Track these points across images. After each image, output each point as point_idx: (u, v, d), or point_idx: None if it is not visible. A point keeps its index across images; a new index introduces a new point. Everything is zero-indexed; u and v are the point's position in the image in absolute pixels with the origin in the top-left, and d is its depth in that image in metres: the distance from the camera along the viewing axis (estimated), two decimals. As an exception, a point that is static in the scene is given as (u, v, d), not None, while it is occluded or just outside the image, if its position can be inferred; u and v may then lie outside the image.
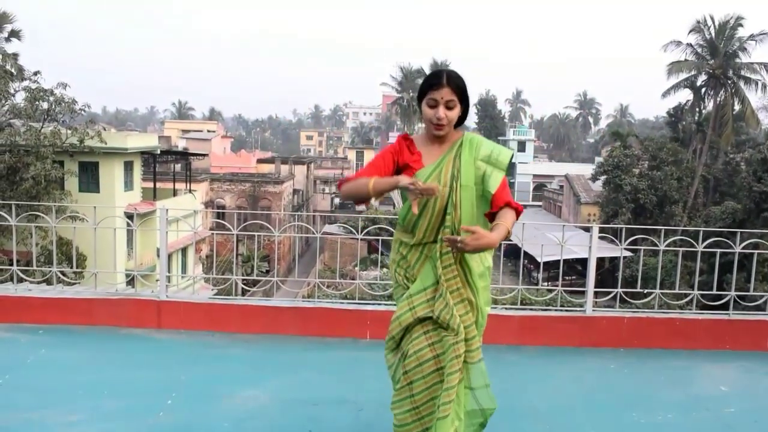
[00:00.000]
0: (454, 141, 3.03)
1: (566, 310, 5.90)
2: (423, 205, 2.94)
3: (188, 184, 33.15)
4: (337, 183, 3.01)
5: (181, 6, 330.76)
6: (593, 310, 5.80)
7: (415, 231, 3.04)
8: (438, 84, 2.89)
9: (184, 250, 28.19)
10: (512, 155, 3.05)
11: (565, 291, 6.06)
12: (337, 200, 52.12)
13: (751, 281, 6.24)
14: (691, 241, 5.88)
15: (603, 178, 36.80)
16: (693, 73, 38.26)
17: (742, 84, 36.95)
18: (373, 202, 2.83)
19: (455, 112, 2.94)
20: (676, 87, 38.99)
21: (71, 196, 21.62)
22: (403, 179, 2.79)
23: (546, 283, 23.64)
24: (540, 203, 56.54)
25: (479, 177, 2.96)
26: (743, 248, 5.90)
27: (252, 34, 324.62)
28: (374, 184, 2.87)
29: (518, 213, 3.01)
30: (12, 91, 21.47)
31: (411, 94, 56.01)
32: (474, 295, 3.03)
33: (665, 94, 39.58)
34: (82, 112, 22.14)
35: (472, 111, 67.52)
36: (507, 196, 2.97)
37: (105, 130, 25.51)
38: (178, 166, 35.95)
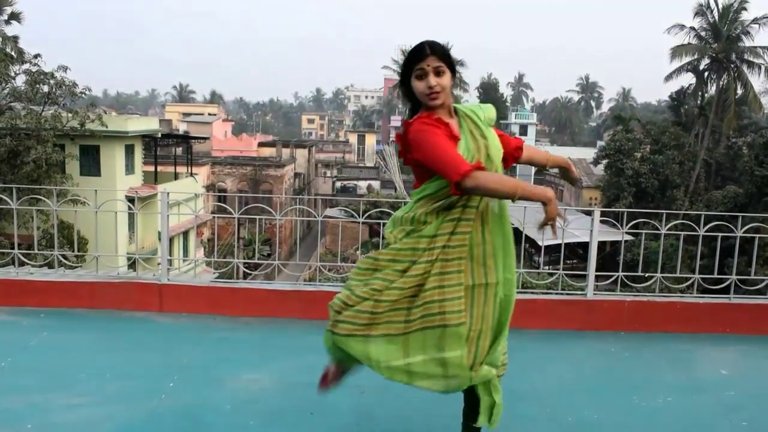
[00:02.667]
0: (453, 113, 2.90)
1: (567, 294, 5.91)
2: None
3: (189, 168, 33.12)
4: (462, 171, 2.63)
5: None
6: (594, 294, 5.80)
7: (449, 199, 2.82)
8: (422, 54, 2.76)
9: (185, 234, 28.23)
10: (494, 110, 3.02)
11: (566, 275, 6.06)
12: (338, 184, 51.99)
13: (752, 265, 6.24)
14: (693, 225, 5.88)
15: (605, 162, 36.73)
16: (696, 57, 38.01)
17: (745, 68, 36.74)
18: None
19: (447, 79, 2.78)
20: (678, 71, 38.77)
21: (72, 180, 21.60)
22: (550, 194, 2.72)
23: (547, 267, 23.63)
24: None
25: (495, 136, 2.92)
26: (744, 232, 5.90)
27: (253, 16, 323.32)
28: (522, 190, 2.66)
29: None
30: (12, 75, 21.39)
31: (412, 78, 55.81)
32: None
33: (668, 78, 39.39)
34: (83, 95, 22.05)
35: (474, 94, 67.93)
36: (509, 137, 3.06)
37: (106, 113, 25.39)
38: (179, 150, 35.96)
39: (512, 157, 3.08)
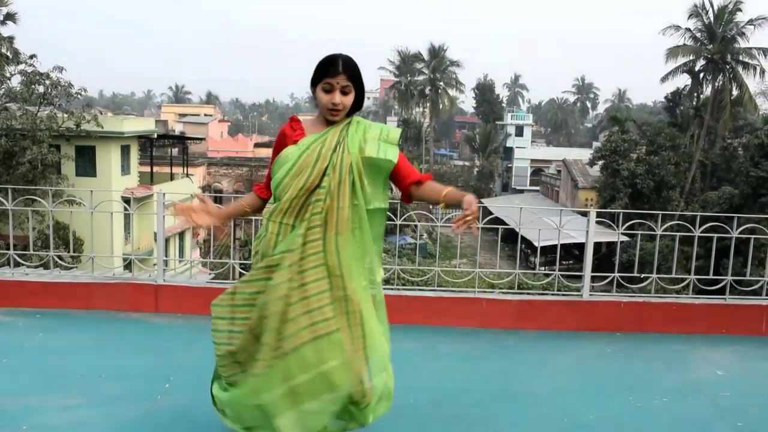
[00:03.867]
0: (342, 121, 2.95)
1: (563, 295, 5.92)
2: (301, 163, 2.85)
3: (185, 168, 33.09)
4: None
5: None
6: (590, 295, 5.81)
7: (281, 200, 2.88)
8: (333, 70, 2.81)
9: (181, 235, 28.20)
10: (400, 133, 3.05)
11: (562, 275, 6.07)
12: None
13: (747, 266, 6.25)
14: (688, 226, 5.89)
15: (601, 163, 36.77)
16: (691, 58, 38.09)
17: (740, 69, 36.82)
18: None
19: (350, 98, 2.87)
20: (674, 72, 38.86)
21: (68, 180, 21.55)
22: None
23: (543, 268, 23.67)
24: (537, 188, 56.59)
25: (370, 150, 2.86)
26: (740, 233, 5.91)
27: (249, 16, 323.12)
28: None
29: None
30: (8, 75, 21.35)
31: (409, 78, 55.85)
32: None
33: (664, 79, 39.49)
34: (79, 96, 22.01)
35: (470, 95, 67.92)
36: (415, 171, 3.00)
37: (101, 114, 25.38)
38: (175, 150, 35.89)
39: (405, 194, 3.05)
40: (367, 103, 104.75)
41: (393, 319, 3.16)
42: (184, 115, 63.34)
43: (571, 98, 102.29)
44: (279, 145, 2.99)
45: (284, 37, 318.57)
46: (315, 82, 2.88)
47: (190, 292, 5.79)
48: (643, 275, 6.11)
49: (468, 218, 2.72)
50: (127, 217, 23.29)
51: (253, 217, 6.42)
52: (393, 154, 2.89)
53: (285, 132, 3.00)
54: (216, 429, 3.69)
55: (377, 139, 2.91)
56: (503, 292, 6.07)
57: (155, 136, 29.66)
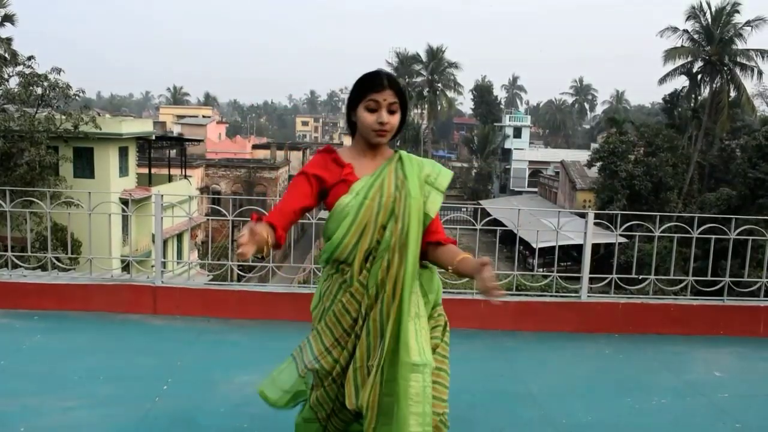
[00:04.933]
0: (389, 156, 2.64)
1: (562, 296, 5.92)
2: (363, 216, 2.51)
3: (183, 170, 33.04)
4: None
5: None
6: (588, 296, 5.81)
7: (353, 257, 2.56)
8: (379, 86, 2.51)
9: (179, 236, 28.16)
10: (451, 177, 2.67)
11: (560, 277, 6.07)
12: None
13: (745, 267, 6.26)
14: (686, 227, 5.89)
15: (599, 164, 36.75)
16: (689, 59, 38.13)
17: (737, 70, 36.86)
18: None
19: (397, 118, 2.55)
20: (672, 73, 38.88)
21: (66, 182, 21.53)
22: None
23: (541, 269, 23.66)
24: (536, 189, 56.55)
25: (424, 194, 2.57)
26: (738, 234, 5.92)
27: (248, 18, 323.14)
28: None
29: None
30: (6, 76, 21.33)
31: (407, 80, 55.80)
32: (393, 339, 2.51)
33: (661, 80, 39.51)
34: (77, 97, 22.01)
35: (468, 97, 67.90)
36: (443, 231, 2.69)
37: (99, 115, 25.36)
38: (173, 152, 35.82)
39: (422, 251, 2.63)
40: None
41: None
42: (183, 117, 63.34)
43: (569, 100, 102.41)
44: (313, 179, 2.59)
45: (283, 37, 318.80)
46: (356, 101, 2.56)
47: (189, 293, 5.79)
48: (641, 276, 6.11)
49: (492, 291, 2.39)
50: (125, 219, 23.22)
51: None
52: (435, 205, 2.59)
53: (329, 166, 2.60)
54: (214, 431, 3.68)
55: (428, 180, 2.60)
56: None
57: (153, 137, 29.62)
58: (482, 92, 69.22)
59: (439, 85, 58.08)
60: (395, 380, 2.46)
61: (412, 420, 2.42)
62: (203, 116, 64.98)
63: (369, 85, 2.52)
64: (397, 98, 2.53)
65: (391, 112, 2.53)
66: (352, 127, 2.66)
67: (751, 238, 6.04)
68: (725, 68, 37.04)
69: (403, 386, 2.42)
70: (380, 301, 2.53)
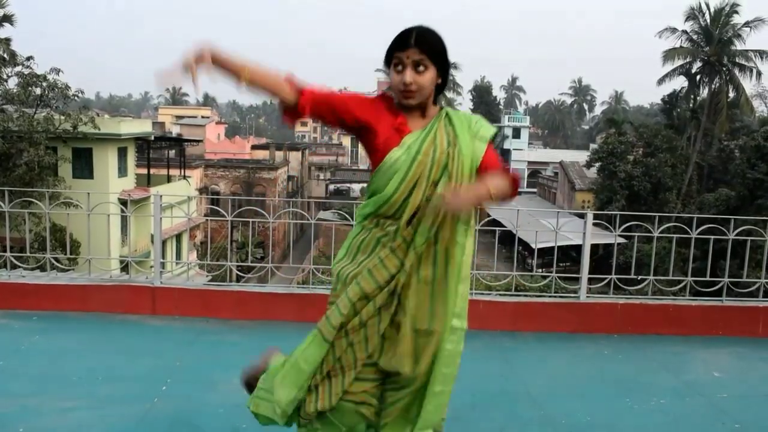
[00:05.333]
0: (436, 114, 2.52)
1: (560, 297, 5.92)
2: (414, 172, 2.40)
3: (182, 171, 33.05)
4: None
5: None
6: (587, 297, 5.82)
7: (400, 213, 2.44)
8: (404, 43, 2.36)
9: (178, 237, 28.17)
10: (495, 132, 2.58)
11: (559, 277, 6.07)
12: (331, 187, 52.06)
13: (744, 268, 6.26)
14: (685, 227, 5.89)
15: (597, 164, 36.77)
16: (688, 60, 38.18)
17: (736, 71, 36.90)
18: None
19: (427, 77, 2.38)
20: (671, 74, 38.91)
21: (65, 183, 21.52)
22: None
23: (540, 270, 23.67)
24: (535, 190, 56.57)
25: (475, 151, 2.48)
26: (737, 235, 5.92)
27: (245, 17, 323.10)
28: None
29: (515, 184, 2.51)
30: (5, 77, 21.31)
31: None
32: (443, 302, 2.50)
33: (660, 81, 39.53)
34: (76, 97, 21.99)
35: (467, 97, 67.94)
36: (498, 163, 2.54)
37: (98, 116, 25.34)
38: (172, 153, 35.82)
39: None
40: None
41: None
42: (182, 117, 63.39)
43: (568, 100, 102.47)
44: (363, 116, 2.47)
45: (282, 37, 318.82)
46: (388, 62, 2.42)
47: (188, 294, 5.78)
48: (640, 277, 6.12)
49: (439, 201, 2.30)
50: (124, 219, 23.30)
51: (250, 220, 6.41)
52: (481, 151, 2.49)
53: (381, 109, 2.48)
54: (213, 431, 3.68)
55: (482, 139, 2.50)
56: (501, 294, 6.08)
57: (152, 138, 29.61)
58: (481, 93, 69.21)
59: (438, 85, 58.02)
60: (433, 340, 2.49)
61: (439, 378, 2.48)
62: (202, 117, 65.01)
63: (394, 43, 2.39)
64: (424, 54, 2.36)
65: (419, 72, 2.38)
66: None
67: (749, 238, 6.04)
68: (724, 69, 37.09)
69: (441, 343, 2.47)
70: (431, 261, 2.46)
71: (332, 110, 2.48)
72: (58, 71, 21.21)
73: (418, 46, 2.35)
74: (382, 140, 2.45)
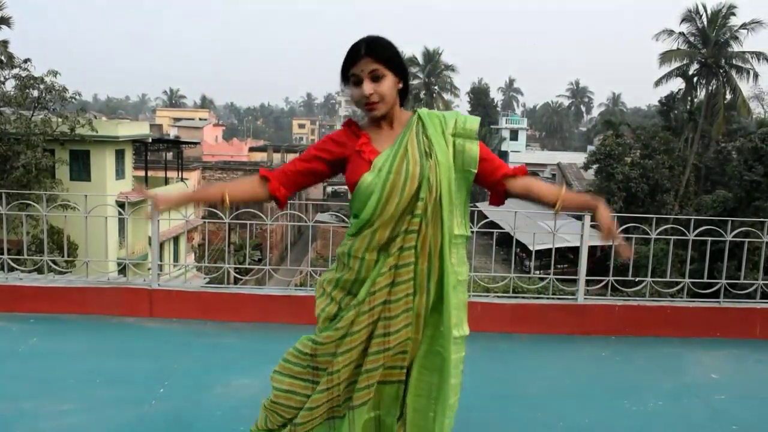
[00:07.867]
0: (407, 120, 2.47)
1: (558, 299, 5.92)
2: (389, 191, 2.34)
3: (180, 173, 33.03)
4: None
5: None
6: (585, 299, 5.82)
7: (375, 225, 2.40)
8: (355, 56, 2.33)
9: (176, 239, 28.11)
10: (478, 122, 2.52)
11: (557, 279, 6.07)
12: (329, 189, 52.08)
13: (741, 269, 6.27)
14: (683, 229, 5.90)
15: (595, 166, 36.80)
16: (685, 62, 38.27)
17: (733, 73, 37.01)
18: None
19: (387, 84, 2.35)
20: (668, 76, 38.99)
21: (62, 185, 21.50)
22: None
23: (538, 272, 23.66)
24: (532, 192, 56.55)
25: (455, 153, 2.43)
26: (734, 236, 5.93)
27: (243, 20, 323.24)
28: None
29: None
30: (2, 79, 21.31)
31: (404, 83, 55.75)
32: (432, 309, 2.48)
33: (657, 83, 39.59)
34: (73, 100, 22.01)
35: (465, 99, 68.01)
36: (499, 159, 2.58)
37: (96, 118, 25.37)
38: (169, 155, 35.84)
39: (498, 192, 2.62)
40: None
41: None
42: (179, 119, 63.41)
43: (566, 102, 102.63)
44: (332, 155, 2.50)
45: (281, 38, 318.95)
46: (345, 80, 2.41)
47: (185, 296, 5.78)
48: (637, 279, 6.12)
49: (612, 232, 2.43)
50: (121, 222, 23.15)
51: (248, 222, 6.42)
52: (477, 151, 2.45)
53: (347, 137, 2.50)
54: (211, 434, 3.68)
55: (457, 133, 2.44)
56: (498, 296, 6.08)
57: (150, 140, 29.61)
58: (479, 95, 69.31)
59: (436, 87, 58.10)
60: (437, 353, 2.49)
61: (451, 391, 2.48)
62: (200, 119, 65.04)
63: (346, 59, 2.37)
64: (379, 64, 2.33)
65: (376, 80, 2.34)
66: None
67: (747, 240, 6.05)
68: (721, 71, 37.18)
69: (447, 358, 2.45)
70: (424, 273, 2.43)
71: (306, 173, 2.55)
72: (55, 73, 21.22)
73: (369, 56, 2.33)
74: (351, 167, 2.45)
